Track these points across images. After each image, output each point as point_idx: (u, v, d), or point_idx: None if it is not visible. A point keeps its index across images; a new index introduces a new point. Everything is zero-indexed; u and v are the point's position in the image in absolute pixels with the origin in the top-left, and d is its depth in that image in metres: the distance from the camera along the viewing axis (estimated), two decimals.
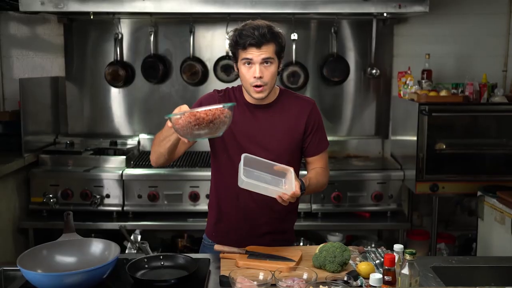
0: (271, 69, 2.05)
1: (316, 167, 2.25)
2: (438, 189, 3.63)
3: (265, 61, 2.03)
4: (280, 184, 1.99)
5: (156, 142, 2.09)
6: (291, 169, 2.00)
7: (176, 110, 1.85)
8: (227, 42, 2.11)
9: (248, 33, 2.00)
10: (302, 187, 1.99)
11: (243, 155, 1.96)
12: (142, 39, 4.25)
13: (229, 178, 2.14)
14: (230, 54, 2.14)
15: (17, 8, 3.63)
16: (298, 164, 2.27)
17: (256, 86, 2.04)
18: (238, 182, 1.88)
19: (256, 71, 2.02)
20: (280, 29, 2.08)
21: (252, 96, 2.10)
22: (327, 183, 2.28)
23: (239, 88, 2.22)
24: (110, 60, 4.22)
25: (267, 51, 2.02)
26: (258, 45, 2.00)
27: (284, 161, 2.11)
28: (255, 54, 2.01)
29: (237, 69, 2.11)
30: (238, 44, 2.02)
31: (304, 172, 2.28)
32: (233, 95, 2.21)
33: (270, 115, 2.17)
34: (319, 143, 2.24)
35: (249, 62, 2.03)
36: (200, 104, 2.16)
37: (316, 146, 2.24)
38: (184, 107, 1.86)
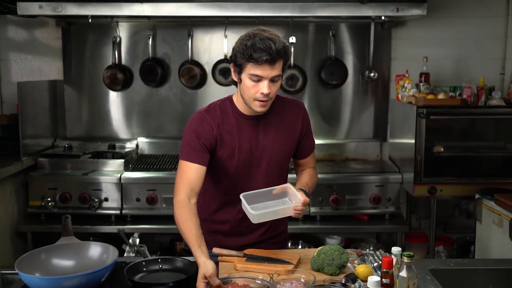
0: (278, 85, 1.99)
1: (307, 168, 2.28)
2: (436, 192, 3.63)
3: (274, 78, 1.95)
4: (287, 203, 2.02)
5: (181, 229, 1.99)
6: (289, 185, 2.03)
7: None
8: (235, 50, 1.97)
9: (264, 47, 1.88)
10: (306, 194, 2.04)
11: (241, 196, 1.96)
12: (140, 43, 4.26)
13: (232, 193, 2.11)
14: (232, 61, 2.02)
15: (15, 11, 3.63)
16: (288, 167, 2.29)
17: (261, 100, 1.98)
18: (251, 219, 1.94)
19: (264, 88, 1.94)
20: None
21: (254, 109, 2.02)
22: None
23: (229, 99, 2.14)
24: (109, 63, 4.23)
25: (278, 68, 1.94)
26: (272, 62, 1.91)
27: (283, 166, 2.18)
28: (266, 72, 1.92)
29: (239, 79, 2.01)
30: (251, 58, 1.90)
31: (293, 176, 2.32)
32: (224, 109, 2.11)
33: (267, 123, 2.13)
34: (310, 144, 2.28)
35: (259, 78, 1.94)
36: (197, 134, 2.05)
37: (308, 147, 2.27)
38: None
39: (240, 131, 2.09)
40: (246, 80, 1.96)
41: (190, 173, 2.03)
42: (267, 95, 1.96)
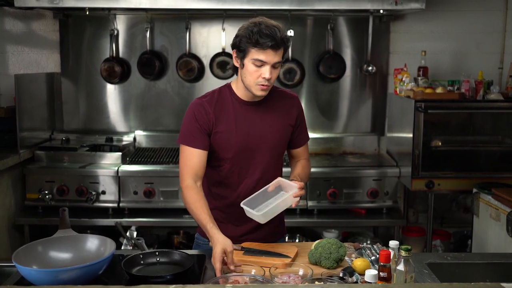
0: (278, 71, 2.09)
1: (300, 159, 2.34)
2: (434, 186, 3.63)
3: (276, 64, 2.04)
4: (285, 195, 2.08)
5: (192, 210, 2.09)
6: (279, 178, 2.12)
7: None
8: (240, 36, 2.03)
9: (270, 33, 1.97)
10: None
11: (242, 204, 2.04)
12: (138, 35, 4.24)
13: (231, 177, 2.19)
14: (234, 47, 2.07)
15: (13, 3, 3.61)
16: (283, 158, 2.36)
17: (262, 84, 2.05)
18: (259, 221, 2.03)
19: (267, 73, 2.02)
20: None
21: (255, 93, 2.09)
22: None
23: (228, 86, 2.21)
24: (106, 56, 4.21)
25: (280, 54, 2.04)
26: (276, 47, 2.00)
27: (278, 153, 2.24)
28: (270, 57, 2.00)
29: (241, 64, 2.07)
30: (258, 43, 1.98)
31: (287, 169, 2.35)
32: (222, 94, 2.19)
33: (263, 110, 2.19)
34: (305, 134, 2.34)
35: (262, 63, 2.01)
36: (195, 118, 2.14)
37: (303, 137, 2.33)
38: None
39: (237, 115, 2.16)
40: (249, 65, 2.04)
41: (193, 159, 2.12)
42: (268, 79, 2.03)
